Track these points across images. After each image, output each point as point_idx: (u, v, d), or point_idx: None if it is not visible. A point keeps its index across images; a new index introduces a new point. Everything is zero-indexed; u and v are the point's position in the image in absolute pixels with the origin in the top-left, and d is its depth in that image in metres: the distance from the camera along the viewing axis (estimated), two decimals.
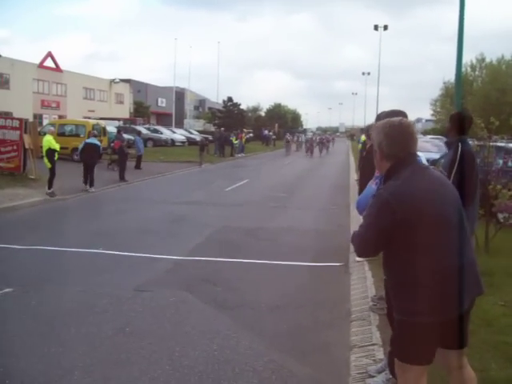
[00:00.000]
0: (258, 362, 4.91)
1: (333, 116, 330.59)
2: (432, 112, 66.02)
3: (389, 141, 3.07)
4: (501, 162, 11.54)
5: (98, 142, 17.60)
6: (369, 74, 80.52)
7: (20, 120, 19.07)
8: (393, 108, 4.96)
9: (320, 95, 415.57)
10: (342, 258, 8.36)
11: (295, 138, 62.06)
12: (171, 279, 7.71)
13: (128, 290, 7.04)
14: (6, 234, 10.37)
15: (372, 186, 4.11)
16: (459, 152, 5.47)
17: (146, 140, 39.71)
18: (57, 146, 15.64)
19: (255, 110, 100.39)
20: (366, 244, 3.13)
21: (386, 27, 60.37)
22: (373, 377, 4.35)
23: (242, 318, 6.13)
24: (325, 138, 66.40)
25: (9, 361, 4.90)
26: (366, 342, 5.15)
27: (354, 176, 22.74)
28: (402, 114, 4.48)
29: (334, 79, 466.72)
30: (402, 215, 2.87)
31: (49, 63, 54.95)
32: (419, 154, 4.37)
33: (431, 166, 6.35)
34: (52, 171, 15.59)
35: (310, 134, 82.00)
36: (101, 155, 20.19)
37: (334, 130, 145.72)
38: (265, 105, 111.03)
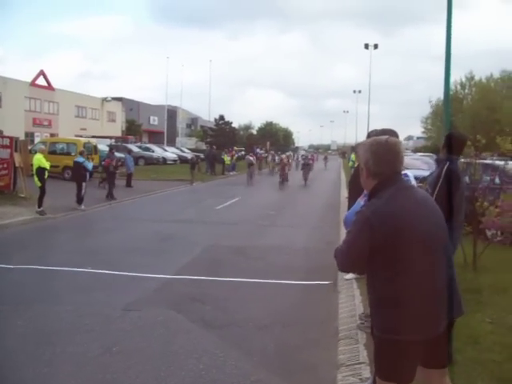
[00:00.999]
0: (244, 381, 4.90)
1: (324, 134, 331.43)
2: (423, 129, 66.56)
3: (375, 159, 3.10)
4: (488, 178, 11.63)
5: (83, 161, 17.47)
6: (360, 92, 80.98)
7: (10, 138, 19.07)
8: (384, 126, 5.04)
9: (312, 113, 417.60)
10: (331, 277, 8.36)
11: (269, 157, 49.09)
12: (159, 298, 7.68)
13: (116, 309, 7.01)
14: None
15: (360, 202, 4.16)
16: (444, 170, 5.53)
17: (137, 158, 39.76)
18: (47, 165, 15.62)
19: (247, 128, 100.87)
20: (346, 260, 3.16)
21: (376, 46, 60.93)
22: None
23: (229, 337, 6.11)
24: (311, 156, 54.61)
25: None
26: (353, 360, 5.15)
27: (344, 193, 22.79)
28: (393, 132, 4.54)
29: (325, 97, 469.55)
30: (382, 234, 2.89)
31: (41, 81, 55.08)
32: (408, 173, 4.44)
33: (419, 184, 6.43)
34: (42, 189, 15.55)
35: (302, 152, 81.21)
36: (91, 174, 20.17)
37: (326, 148, 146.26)
38: (256, 123, 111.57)
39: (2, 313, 6.78)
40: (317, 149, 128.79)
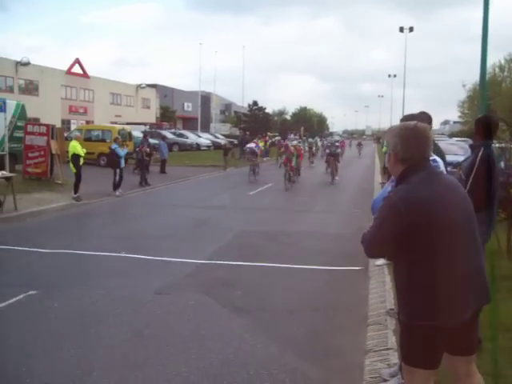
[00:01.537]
0: (272, 365, 4.95)
1: (359, 119, 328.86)
2: (459, 114, 65.24)
3: (403, 144, 3.08)
4: None
5: (116, 147, 17.71)
6: (395, 76, 79.94)
7: (47, 126, 19.44)
8: (421, 109, 4.97)
9: (346, 98, 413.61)
10: (362, 262, 8.33)
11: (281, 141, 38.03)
12: (191, 283, 7.78)
13: (148, 293, 7.13)
14: (32, 238, 10.56)
15: (388, 187, 4.13)
16: (479, 156, 5.43)
17: (171, 144, 40.08)
18: (81, 152, 15.87)
19: (281, 113, 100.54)
20: (373, 246, 3.15)
21: (411, 29, 59.95)
22: (386, 381, 4.35)
23: (259, 322, 6.17)
24: (340, 143, 40.53)
25: (31, 361, 5.02)
26: (382, 346, 5.15)
27: (378, 179, 22.61)
28: (423, 117, 4.49)
29: (360, 82, 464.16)
30: (409, 219, 2.88)
31: (77, 69, 55.82)
32: (437, 158, 4.38)
33: (454, 169, 6.33)
34: (77, 176, 15.84)
35: (337, 137, 78.61)
36: (126, 160, 20.43)
37: (361, 133, 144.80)
38: (291, 108, 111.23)
39: (38, 295, 6.97)
40: (351, 134, 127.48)
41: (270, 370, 4.83)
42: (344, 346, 5.45)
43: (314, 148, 41.75)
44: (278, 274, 8.29)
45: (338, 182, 23.12)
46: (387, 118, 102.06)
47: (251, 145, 27.01)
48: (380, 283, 7.28)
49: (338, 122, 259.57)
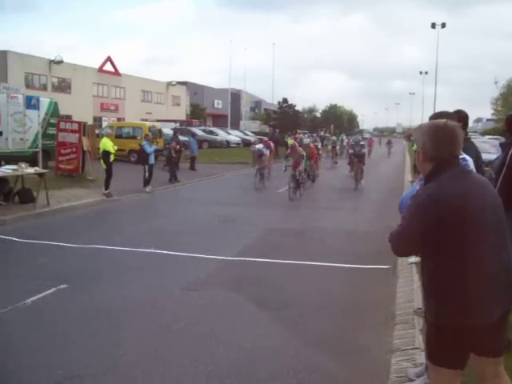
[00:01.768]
0: (297, 362, 4.97)
1: (390, 116, 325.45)
2: (492, 111, 64.16)
3: (432, 142, 3.06)
4: None
5: (144, 144, 17.93)
6: (426, 73, 78.98)
7: (79, 123, 19.74)
8: (451, 108, 4.91)
9: (377, 95, 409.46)
10: (390, 261, 8.27)
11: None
12: (218, 279, 7.83)
13: (176, 289, 7.21)
14: (63, 233, 10.77)
15: (416, 186, 4.11)
16: (510, 154, 5.35)
17: (201, 141, 40.32)
18: (111, 149, 16.09)
19: (311, 111, 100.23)
20: (400, 244, 3.14)
21: (443, 25, 59.18)
22: (411, 380, 4.32)
23: (285, 319, 6.19)
24: (369, 141, 43.77)
25: (61, 352, 5.13)
26: (408, 345, 5.12)
27: (408, 177, 22.38)
28: (452, 115, 4.45)
29: (390, 79, 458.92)
30: (437, 218, 2.86)
31: (108, 67, 56.52)
32: (467, 157, 4.34)
33: (486, 168, 6.23)
34: (108, 172, 16.06)
35: (366, 135, 77.41)
36: (156, 157, 20.64)
37: (391, 131, 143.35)
38: (320, 106, 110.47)
39: (69, 289, 7.10)
40: (382, 132, 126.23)
41: (295, 367, 4.85)
42: (370, 344, 5.43)
43: (338, 147, 38.19)
44: (305, 272, 8.29)
45: (364, 187, 20.41)
46: (418, 116, 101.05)
47: (259, 145, 22.80)
48: (408, 282, 7.23)
49: (369, 119, 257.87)
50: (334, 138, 41.00)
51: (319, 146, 28.65)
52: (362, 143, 22.85)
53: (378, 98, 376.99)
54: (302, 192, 17.58)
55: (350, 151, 23.26)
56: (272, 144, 27.02)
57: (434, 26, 58.98)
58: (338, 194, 19.13)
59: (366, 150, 22.96)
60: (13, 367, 4.83)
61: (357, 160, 21.06)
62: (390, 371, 4.65)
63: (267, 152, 22.20)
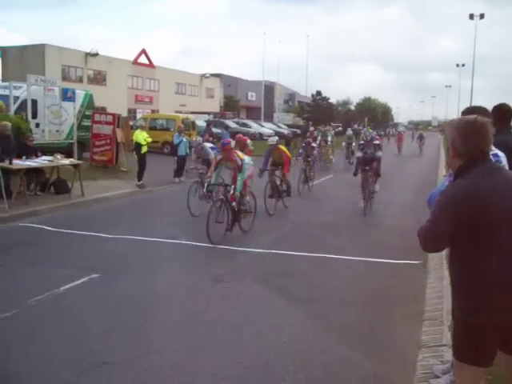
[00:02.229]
0: (324, 355, 5.00)
1: (425, 109, 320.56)
2: None
3: (462, 138, 3.04)
4: None
5: (174, 136, 18.26)
6: (463, 65, 77.40)
7: (113, 115, 20.01)
8: (489, 101, 4.81)
9: (412, 88, 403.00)
10: (421, 256, 8.19)
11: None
12: (249, 271, 7.88)
13: (206, 280, 7.29)
14: (96, 223, 10.96)
15: (445, 182, 4.07)
16: None
17: (234, 134, 40.38)
18: (142, 141, 16.29)
19: (345, 103, 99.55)
20: (428, 240, 3.13)
21: (482, 16, 57.89)
22: (438, 377, 4.30)
23: (313, 312, 6.22)
24: (397, 135, 40.85)
25: (91, 340, 5.27)
26: (436, 342, 5.09)
27: (442, 171, 22.08)
28: (484, 111, 4.38)
29: (426, 71, 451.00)
30: (466, 214, 2.85)
31: (143, 60, 57.03)
32: (499, 153, 4.27)
33: None
34: (140, 164, 16.28)
35: (401, 128, 75.43)
36: (190, 149, 20.79)
37: (426, 124, 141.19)
38: (355, 98, 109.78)
39: (101, 278, 7.25)
40: (417, 125, 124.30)
41: (322, 360, 4.88)
42: (397, 340, 5.42)
43: (353, 144, 29.05)
44: (335, 265, 8.28)
45: (402, 171, 17.39)
46: (454, 109, 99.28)
47: (207, 144, 15.22)
48: (438, 278, 7.16)
49: (404, 112, 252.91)
50: (349, 131, 32.67)
51: (317, 142, 22.84)
52: (376, 142, 14.06)
53: (414, 90, 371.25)
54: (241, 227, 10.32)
55: (358, 154, 14.22)
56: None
57: (472, 17, 57.80)
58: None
59: (380, 154, 13.84)
60: (44, 353, 4.97)
61: (369, 174, 13.34)
62: (417, 367, 4.64)
63: (213, 156, 13.24)
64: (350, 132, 32.67)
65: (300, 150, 18.37)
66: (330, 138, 28.02)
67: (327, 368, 4.73)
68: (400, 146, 39.35)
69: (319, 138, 25.39)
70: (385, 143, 47.47)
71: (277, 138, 14.36)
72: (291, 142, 31.20)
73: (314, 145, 19.16)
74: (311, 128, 30.67)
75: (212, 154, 13.54)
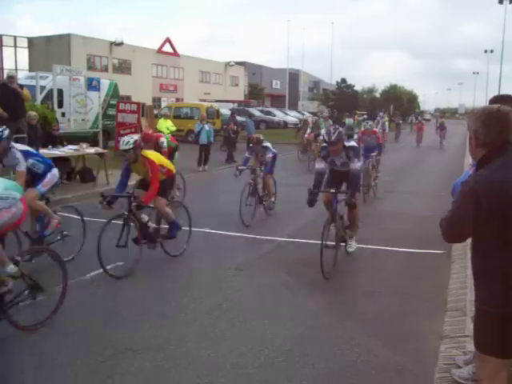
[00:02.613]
0: (345, 344, 5.00)
1: (452, 97, 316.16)
2: None
3: (484, 128, 3.01)
4: None
5: (196, 125, 18.49)
6: (492, 51, 76.05)
7: (138, 104, 20.15)
8: None
9: (438, 75, 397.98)
10: (445, 246, 8.12)
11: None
12: (271, 260, 7.91)
13: (229, 269, 7.33)
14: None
15: (469, 171, 4.05)
16: None
17: (258, 122, 40.36)
18: (165, 129, 16.45)
19: (370, 91, 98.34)
20: (450, 230, 3.12)
21: None
22: (459, 367, 4.28)
23: (335, 301, 6.24)
24: (416, 124, 35.51)
25: (116, 327, 5.37)
26: (459, 332, 5.05)
27: (469, 160, 21.78)
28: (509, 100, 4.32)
29: (453, 58, 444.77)
30: (487, 205, 2.82)
31: (167, 48, 57.16)
32: None
33: None
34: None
35: (427, 116, 73.96)
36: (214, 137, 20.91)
37: (453, 112, 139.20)
38: (380, 86, 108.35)
39: (129, 266, 7.32)
40: (443, 113, 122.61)
41: (342, 350, 4.89)
42: (419, 329, 5.40)
43: (355, 136, 20.25)
44: (358, 255, 8.24)
45: (428, 159, 17.52)
46: (482, 97, 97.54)
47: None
48: (462, 268, 7.10)
49: (430, 99, 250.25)
50: (349, 121, 27.40)
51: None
52: (351, 144, 7.98)
53: (440, 77, 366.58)
54: None
55: (319, 166, 8.04)
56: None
57: (501, 1, 56.55)
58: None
59: (359, 165, 7.94)
60: (68, 339, 5.07)
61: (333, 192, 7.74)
62: (439, 358, 4.61)
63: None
64: (350, 121, 29.07)
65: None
66: (322, 131, 19.74)
67: (348, 358, 4.74)
68: (420, 137, 34.42)
69: (322, 131, 18.91)
70: (407, 133, 46.83)
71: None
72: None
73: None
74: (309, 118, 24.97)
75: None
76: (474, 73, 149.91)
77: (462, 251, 7.77)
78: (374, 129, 14.94)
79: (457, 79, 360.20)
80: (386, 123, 34.68)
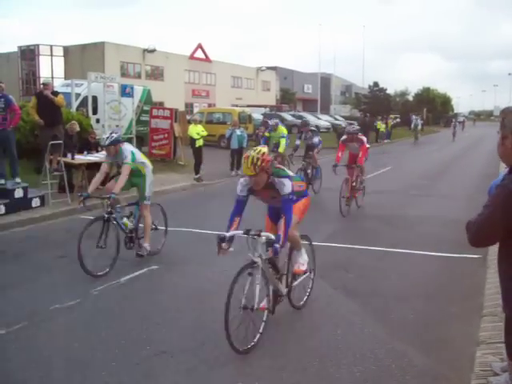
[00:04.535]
0: (379, 349, 4.96)
1: (487, 99, 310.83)
2: None
3: None
4: None
5: (228, 130, 18.65)
6: None
7: (170, 110, 20.37)
8: None
9: (473, 77, 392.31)
10: (481, 250, 7.98)
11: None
12: None
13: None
14: (154, 216, 11.12)
15: (502, 174, 3.98)
16: None
17: (291, 126, 40.30)
18: (195, 135, 16.60)
19: (403, 94, 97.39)
20: (478, 234, 3.08)
21: None
22: (497, 375, 4.20)
23: (369, 306, 6.17)
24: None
25: (150, 329, 5.43)
26: (496, 338, 4.95)
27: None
28: None
29: (488, 59, 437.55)
30: None
31: (199, 54, 57.64)
32: None
33: None
34: (196, 158, 16.59)
35: (461, 118, 72.97)
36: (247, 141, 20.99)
37: (488, 114, 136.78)
38: (413, 89, 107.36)
39: (160, 270, 7.45)
40: (478, 115, 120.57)
41: (376, 354, 4.85)
42: (455, 335, 5.32)
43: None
44: (392, 259, 8.19)
45: (462, 163, 18.39)
46: None
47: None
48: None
49: (464, 102, 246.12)
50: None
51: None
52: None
53: (475, 79, 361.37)
54: None
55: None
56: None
57: None
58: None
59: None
60: (104, 341, 5.15)
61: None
62: (475, 364, 4.54)
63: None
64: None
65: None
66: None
67: (382, 363, 4.70)
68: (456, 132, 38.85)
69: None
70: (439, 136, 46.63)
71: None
72: None
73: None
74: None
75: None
76: (509, 74, 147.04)
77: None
78: (360, 135, 12.88)
79: (492, 81, 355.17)
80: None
